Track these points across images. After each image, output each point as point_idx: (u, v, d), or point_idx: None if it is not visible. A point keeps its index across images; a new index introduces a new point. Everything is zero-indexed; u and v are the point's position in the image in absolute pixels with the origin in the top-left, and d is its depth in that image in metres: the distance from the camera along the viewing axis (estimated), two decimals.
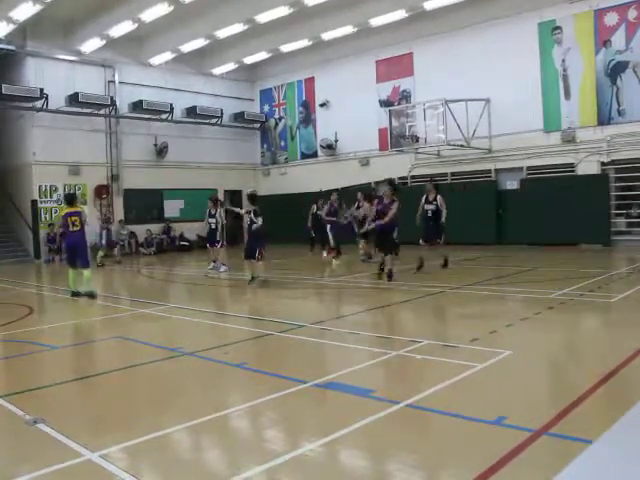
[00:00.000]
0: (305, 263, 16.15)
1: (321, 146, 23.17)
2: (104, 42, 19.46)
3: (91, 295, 10.37)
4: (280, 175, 25.08)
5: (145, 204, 22.47)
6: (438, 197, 12.26)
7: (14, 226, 20.72)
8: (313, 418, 4.16)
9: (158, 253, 21.27)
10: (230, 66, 23.27)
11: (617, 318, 7.44)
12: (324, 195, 17.62)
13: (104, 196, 21.29)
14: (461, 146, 17.84)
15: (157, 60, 21.78)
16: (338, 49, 21.53)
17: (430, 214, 12.22)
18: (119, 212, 21.74)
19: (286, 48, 21.35)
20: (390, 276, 10.78)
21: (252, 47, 21.48)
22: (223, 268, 14.23)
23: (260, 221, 11.15)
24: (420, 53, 20.13)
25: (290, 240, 22.56)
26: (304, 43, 20.84)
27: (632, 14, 15.82)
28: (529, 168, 18.01)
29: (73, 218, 10.36)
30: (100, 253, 17.36)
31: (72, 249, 10.59)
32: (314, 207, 17.15)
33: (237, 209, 13.63)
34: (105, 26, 18.56)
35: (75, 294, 10.50)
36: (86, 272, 10.48)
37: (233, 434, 4.00)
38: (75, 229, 10.38)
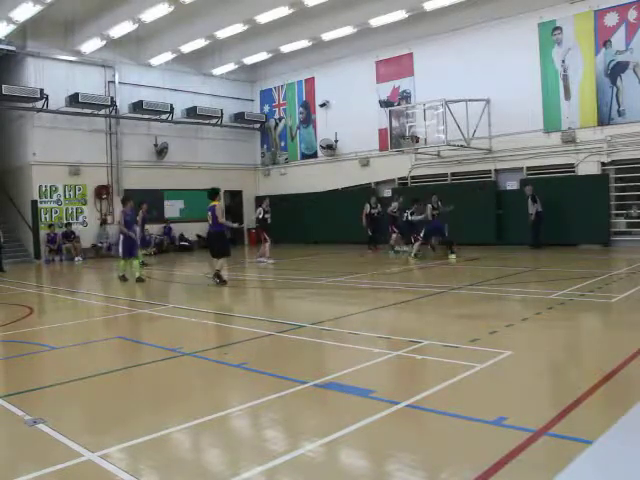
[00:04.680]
0: (304, 263, 16.13)
1: (321, 146, 23.15)
2: (104, 42, 19.45)
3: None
4: (280, 175, 25.08)
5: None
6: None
7: (14, 226, 20.71)
8: (313, 418, 4.16)
9: (158, 253, 21.26)
10: (230, 66, 23.25)
11: (617, 318, 7.44)
12: (373, 193, 20.00)
13: (104, 196, 21.30)
14: (461, 146, 17.82)
15: (157, 60, 21.77)
16: (338, 49, 21.52)
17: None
18: (119, 213, 21.73)
19: (286, 48, 21.34)
20: None
21: (252, 47, 21.47)
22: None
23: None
24: (420, 53, 20.12)
25: (290, 240, 22.61)
26: (304, 43, 20.83)
27: (632, 14, 15.81)
28: (529, 168, 18.00)
29: (209, 213, 11.10)
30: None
31: (209, 240, 11.71)
32: (367, 207, 18.46)
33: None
34: (105, 26, 18.55)
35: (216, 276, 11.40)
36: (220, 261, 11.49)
37: (233, 434, 4.00)
38: (210, 222, 11.24)
